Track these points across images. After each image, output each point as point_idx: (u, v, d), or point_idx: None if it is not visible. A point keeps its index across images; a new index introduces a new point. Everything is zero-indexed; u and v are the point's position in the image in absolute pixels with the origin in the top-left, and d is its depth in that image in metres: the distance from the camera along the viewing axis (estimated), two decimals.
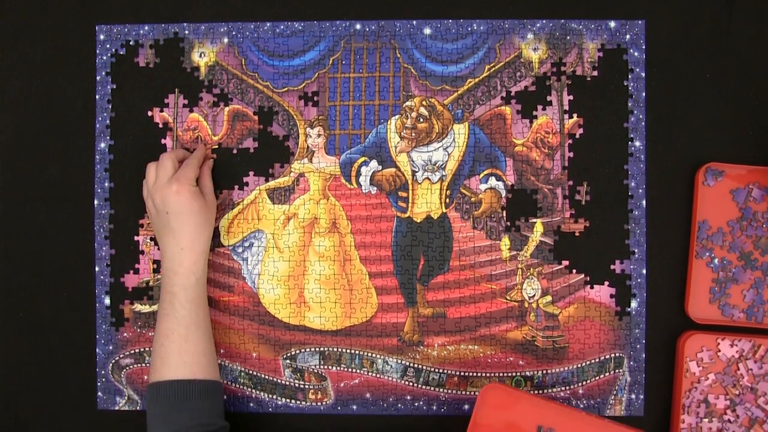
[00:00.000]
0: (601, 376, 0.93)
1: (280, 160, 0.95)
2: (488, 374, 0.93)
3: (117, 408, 0.95)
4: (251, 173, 0.95)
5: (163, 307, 0.86)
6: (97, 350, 0.95)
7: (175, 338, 0.85)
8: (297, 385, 0.94)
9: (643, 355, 0.93)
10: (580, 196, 0.93)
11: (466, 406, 0.93)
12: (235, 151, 0.95)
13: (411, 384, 0.94)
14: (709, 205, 0.92)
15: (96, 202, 0.95)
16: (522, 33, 0.94)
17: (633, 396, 0.93)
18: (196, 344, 0.85)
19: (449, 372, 0.93)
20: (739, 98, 0.93)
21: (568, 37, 0.93)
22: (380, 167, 0.94)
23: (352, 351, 0.94)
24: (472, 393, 0.93)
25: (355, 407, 0.94)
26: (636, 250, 0.93)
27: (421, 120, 0.94)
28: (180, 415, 0.82)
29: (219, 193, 0.94)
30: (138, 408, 0.95)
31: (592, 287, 0.93)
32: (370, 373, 0.94)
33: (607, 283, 0.93)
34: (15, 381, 0.96)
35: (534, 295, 0.93)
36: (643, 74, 0.93)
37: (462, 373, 0.93)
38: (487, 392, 0.83)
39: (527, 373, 0.93)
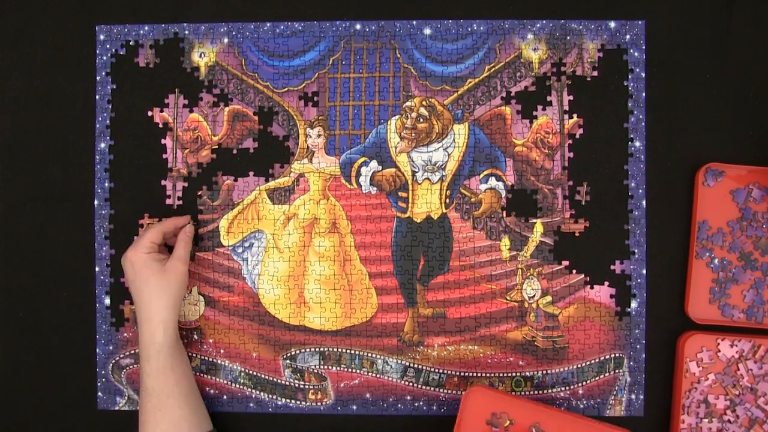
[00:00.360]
0: (601, 376, 0.93)
1: (280, 160, 0.95)
2: (488, 374, 0.93)
3: (117, 408, 0.95)
4: (251, 173, 0.95)
5: (141, 379, 0.87)
6: (97, 350, 0.95)
7: (148, 408, 0.85)
8: (297, 385, 0.94)
9: (643, 356, 0.93)
10: (580, 196, 0.93)
11: None
12: (235, 151, 0.95)
13: (411, 384, 0.94)
14: (709, 205, 0.92)
15: (96, 202, 0.95)
16: (522, 33, 0.93)
17: (633, 396, 0.93)
18: (170, 412, 0.85)
19: (449, 372, 0.93)
20: (739, 98, 0.93)
21: (568, 38, 0.93)
22: (380, 167, 0.94)
23: (352, 351, 0.94)
24: None
25: (355, 407, 0.94)
26: (636, 251, 0.93)
27: (421, 120, 0.94)
28: None
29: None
30: (138, 408, 0.94)
31: (592, 287, 0.93)
32: (370, 374, 0.94)
33: (607, 283, 0.93)
34: (15, 381, 0.96)
35: (534, 296, 0.93)
36: (643, 74, 0.93)
37: (462, 374, 0.93)
38: (471, 394, 0.83)
39: (527, 374, 0.93)
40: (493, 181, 0.94)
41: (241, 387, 0.94)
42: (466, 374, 0.93)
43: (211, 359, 0.94)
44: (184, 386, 0.87)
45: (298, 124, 0.95)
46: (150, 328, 0.85)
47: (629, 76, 0.93)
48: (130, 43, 0.95)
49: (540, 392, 0.93)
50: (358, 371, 0.94)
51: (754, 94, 0.93)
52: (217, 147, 0.95)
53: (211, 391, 0.94)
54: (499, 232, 0.93)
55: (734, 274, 0.92)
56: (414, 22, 0.94)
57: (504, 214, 0.93)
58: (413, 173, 0.94)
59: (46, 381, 0.95)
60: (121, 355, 0.95)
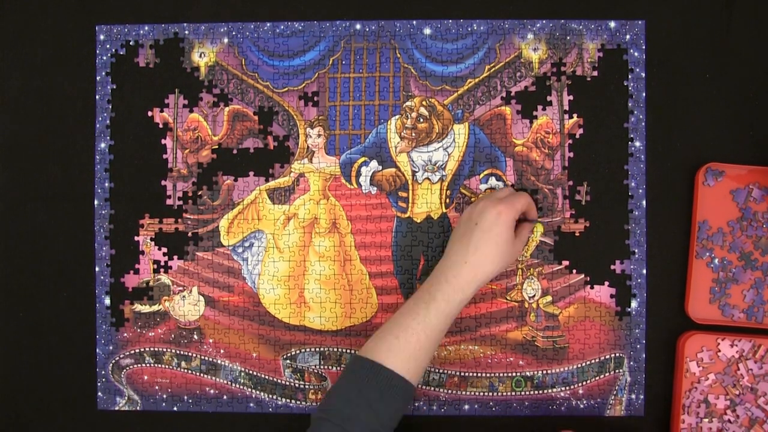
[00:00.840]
0: (602, 376, 0.93)
1: (280, 160, 0.95)
2: (488, 374, 0.93)
3: (117, 408, 0.95)
4: (251, 173, 0.95)
5: (416, 304, 0.83)
6: (97, 350, 0.95)
7: (413, 340, 0.81)
8: (297, 385, 0.94)
9: (643, 355, 0.93)
10: (580, 196, 0.93)
11: (466, 407, 0.93)
12: (235, 151, 0.95)
13: None
14: (709, 205, 0.92)
15: (96, 202, 0.95)
16: (522, 33, 0.94)
17: (633, 396, 0.93)
18: (426, 356, 0.83)
19: (449, 372, 0.93)
20: (739, 98, 0.93)
21: (568, 37, 0.93)
22: (380, 167, 0.94)
23: (353, 351, 0.94)
24: (472, 393, 0.93)
25: None
26: (636, 250, 0.93)
27: (421, 120, 0.94)
28: (386, 410, 0.79)
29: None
30: (138, 408, 0.95)
31: (592, 287, 0.93)
32: None
33: (607, 283, 0.93)
34: (15, 381, 0.96)
35: (534, 296, 0.93)
36: (643, 74, 0.93)
37: (462, 374, 0.93)
38: None
39: (527, 374, 0.93)
40: (493, 181, 0.94)
41: (241, 387, 0.94)
42: (466, 374, 0.93)
43: (211, 359, 0.94)
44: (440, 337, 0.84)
45: (298, 124, 0.95)
46: (471, 274, 0.83)
47: (629, 76, 0.93)
48: (130, 43, 0.95)
49: (540, 392, 0.93)
50: None
51: (754, 94, 0.93)
52: (217, 147, 0.95)
53: (211, 391, 0.94)
54: None
55: (734, 274, 0.92)
56: (414, 22, 0.94)
57: None
58: (413, 173, 0.94)
59: (46, 381, 0.95)
60: (121, 355, 0.95)
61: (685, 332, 0.92)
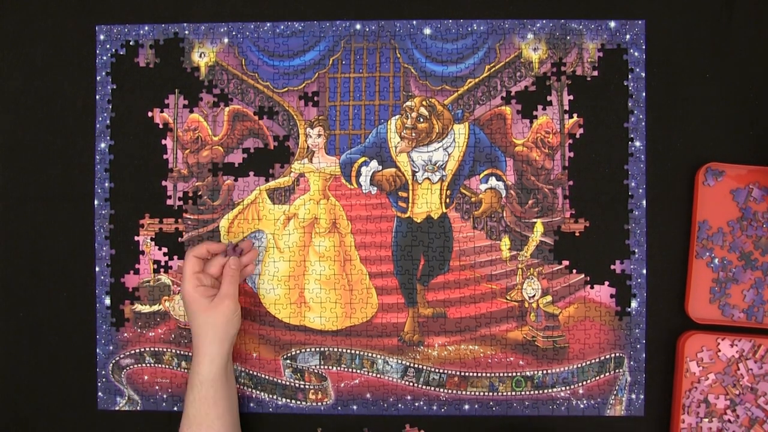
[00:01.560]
0: (602, 376, 0.93)
1: (280, 160, 0.95)
2: (488, 374, 0.93)
3: (117, 408, 0.95)
4: (251, 173, 0.95)
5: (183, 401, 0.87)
6: (98, 350, 0.95)
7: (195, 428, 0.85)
8: (297, 385, 0.94)
9: (643, 355, 0.93)
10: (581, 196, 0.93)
11: (466, 407, 0.93)
12: (235, 151, 0.95)
13: (411, 384, 0.94)
14: (709, 205, 0.92)
15: (96, 202, 0.95)
16: (522, 33, 0.94)
17: (633, 396, 0.93)
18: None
19: (449, 372, 0.93)
20: (739, 98, 0.93)
21: (568, 37, 0.93)
22: (380, 167, 0.94)
23: (353, 351, 0.94)
24: (472, 393, 0.93)
25: (355, 407, 0.94)
26: (636, 250, 0.93)
27: (421, 120, 0.94)
28: None
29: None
30: (138, 408, 0.95)
31: (592, 287, 0.93)
32: (370, 374, 0.94)
33: (607, 283, 0.93)
34: (15, 381, 0.96)
35: (534, 295, 0.93)
36: (643, 74, 0.93)
37: (462, 373, 0.93)
38: None
39: (527, 373, 0.93)
40: (493, 181, 0.94)
41: (242, 387, 0.94)
42: (467, 374, 0.93)
43: None
44: (226, 420, 0.86)
45: (298, 124, 0.95)
46: (197, 359, 0.85)
47: (629, 76, 0.93)
48: (130, 43, 0.95)
49: (540, 392, 0.93)
50: (358, 371, 0.94)
51: (754, 94, 0.93)
52: (217, 147, 0.95)
53: None
54: (499, 232, 0.93)
55: (734, 274, 0.92)
56: (414, 22, 0.94)
57: (504, 214, 0.93)
58: (413, 173, 0.94)
59: (46, 381, 0.95)
60: (122, 355, 0.95)
61: (685, 332, 0.92)
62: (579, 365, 0.93)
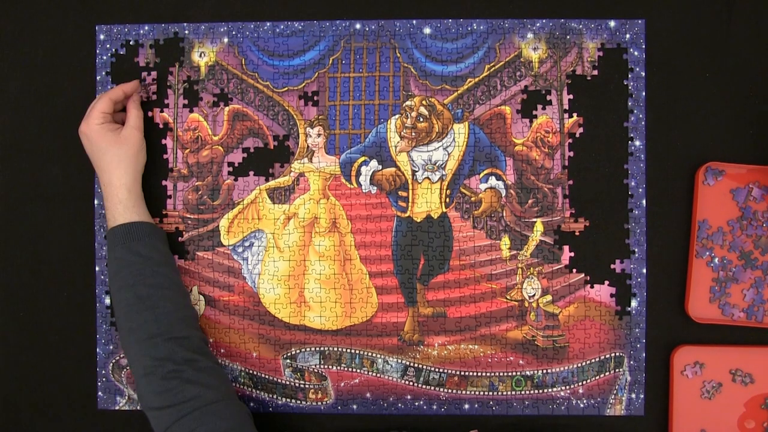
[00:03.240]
0: (602, 375, 0.93)
1: (280, 159, 0.95)
2: (488, 374, 0.93)
3: (117, 408, 0.95)
4: (251, 173, 0.95)
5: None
6: (98, 350, 0.95)
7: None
8: (297, 384, 0.94)
9: (643, 355, 0.92)
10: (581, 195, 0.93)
11: (466, 406, 0.93)
12: (235, 151, 0.95)
13: (411, 383, 0.94)
14: (709, 204, 0.92)
15: (96, 202, 0.95)
16: (522, 32, 0.94)
17: (633, 395, 0.93)
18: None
19: (449, 371, 0.93)
20: (739, 98, 0.93)
21: (568, 37, 0.93)
22: (380, 167, 0.94)
23: (353, 351, 0.94)
24: (472, 393, 0.93)
25: (355, 407, 0.94)
26: (636, 250, 0.93)
27: (421, 119, 0.94)
28: (138, 258, 0.86)
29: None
30: (138, 408, 0.95)
31: (592, 287, 0.93)
32: (370, 373, 0.94)
33: (607, 282, 0.93)
34: (15, 381, 0.96)
35: (534, 295, 0.93)
36: (643, 74, 0.93)
37: (462, 373, 0.93)
38: None
39: (527, 373, 0.93)
40: (493, 181, 0.94)
41: (242, 387, 0.94)
42: (467, 373, 0.93)
43: None
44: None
45: (298, 124, 0.95)
46: (113, 191, 0.88)
47: (629, 75, 0.93)
48: (130, 43, 0.95)
49: (540, 391, 0.93)
50: (358, 371, 0.94)
51: (754, 93, 0.93)
52: (217, 146, 0.95)
53: None
54: (499, 232, 0.93)
55: (734, 273, 0.92)
56: (414, 22, 0.94)
57: (504, 213, 0.93)
58: (413, 172, 0.94)
59: (46, 381, 0.95)
60: (122, 355, 0.95)
61: (677, 347, 0.92)
62: (579, 365, 0.93)
